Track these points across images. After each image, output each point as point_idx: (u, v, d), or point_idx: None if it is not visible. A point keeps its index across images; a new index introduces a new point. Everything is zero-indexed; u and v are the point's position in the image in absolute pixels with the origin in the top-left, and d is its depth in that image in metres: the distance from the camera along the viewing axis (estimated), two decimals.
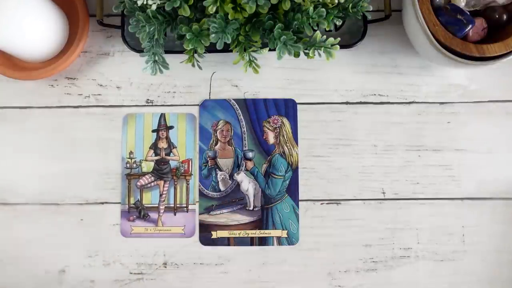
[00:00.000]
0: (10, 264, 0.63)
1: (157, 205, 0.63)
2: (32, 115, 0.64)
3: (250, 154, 0.63)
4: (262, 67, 0.58)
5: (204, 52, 0.55)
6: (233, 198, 0.63)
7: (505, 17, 0.57)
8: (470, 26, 0.55)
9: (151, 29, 0.54)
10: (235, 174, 0.63)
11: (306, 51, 0.54)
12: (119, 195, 0.63)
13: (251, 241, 0.62)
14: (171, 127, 0.64)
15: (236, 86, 0.64)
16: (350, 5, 0.54)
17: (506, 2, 0.57)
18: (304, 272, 0.62)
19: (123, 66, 0.64)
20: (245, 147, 0.63)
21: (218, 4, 0.51)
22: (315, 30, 0.54)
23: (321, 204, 0.63)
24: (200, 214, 0.63)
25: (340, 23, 0.55)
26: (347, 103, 0.64)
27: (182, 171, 0.63)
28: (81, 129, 0.64)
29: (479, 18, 0.56)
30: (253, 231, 0.62)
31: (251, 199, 0.63)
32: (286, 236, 0.62)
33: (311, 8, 0.51)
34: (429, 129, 0.63)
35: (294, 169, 0.63)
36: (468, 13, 0.55)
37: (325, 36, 0.53)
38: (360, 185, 0.63)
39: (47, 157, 0.63)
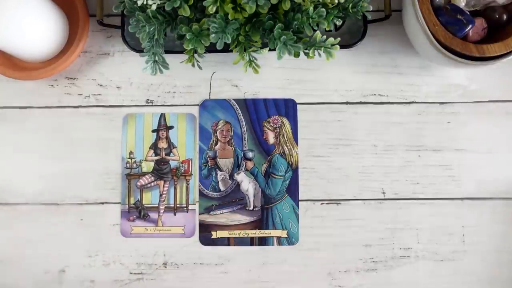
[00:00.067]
0: (10, 264, 0.63)
1: (157, 205, 0.63)
2: (32, 115, 0.64)
3: (250, 154, 0.63)
4: (262, 67, 0.58)
5: (204, 52, 0.55)
6: (233, 198, 0.63)
7: (505, 17, 0.57)
8: (470, 26, 0.55)
9: (151, 29, 0.54)
10: (235, 174, 0.63)
11: (306, 51, 0.54)
12: (119, 195, 0.63)
13: (251, 241, 0.62)
14: (171, 127, 0.64)
15: (236, 86, 0.64)
16: (350, 5, 0.54)
17: (506, 2, 0.57)
18: (304, 272, 0.62)
19: (123, 66, 0.64)
20: (245, 147, 0.63)
21: (218, 4, 0.51)
22: (315, 30, 0.54)
23: (321, 204, 0.63)
24: (200, 214, 0.63)
25: (340, 23, 0.55)
26: (347, 103, 0.64)
27: (182, 171, 0.63)
28: (81, 129, 0.64)
29: (479, 18, 0.56)
30: (253, 231, 0.62)
31: (251, 199, 0.63)
32: (286, 236, 0.62)
33: (311, 8, 0.51)
34: (429, 129, 0.63)
35: (294, 169, 0.63)
36: (468, 13, 0.55)
37: (325, 36, 0.53)
38: (360, 185, 0.63)
39: (47, 157, 0.63)
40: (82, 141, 0.64)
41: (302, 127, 0.63)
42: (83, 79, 0.64)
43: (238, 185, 0.63)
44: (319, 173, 0.63)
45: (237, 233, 0.62)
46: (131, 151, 0.63)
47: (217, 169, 0.63)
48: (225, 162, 0.63)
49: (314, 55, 0.54)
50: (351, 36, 0.62)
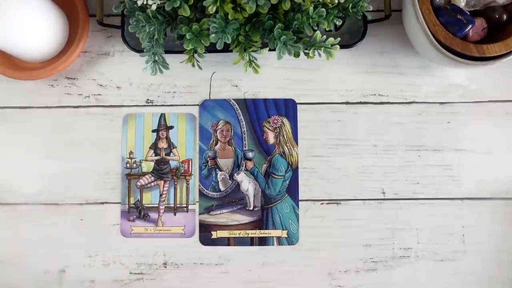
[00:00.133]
0: (10, 264, 0.63)
1: (157, 205, 0.63)
2: (32, 115, 0.64)
3: (250, 154, 0.63)
4: (262, 67, 0.58)
5: (204, 52, 0.55)
6: (233, 198, 0.63)
7: (505, 17, 0.57)
8: (470, 26, 0.55)
9: (151, 29, 0.54)
10: (235, 174, 0.63)
11: (306, 51, 0.54)
12: (119, 195, 0.63)
13: (251, 241, 0.62)
14: (171, 127, 0.64)
15: (236, 86, 0.64)
16: (350, 5, 0.54)
17: (506, 2, 0.57)
18: (304, 272, 0.62)
19: (123, 66, 0.64)
20: (245, 147, 0.63)
21: (218, 4, 0.51)
22: (315, 30, 0.54)
23: (321, 204, 0.63)
24: (200, 214, 0.63)
25: (340, 23, 0.55)
26: (347, 103, 0.64)
27: (182, 171, 0.63)
28: (81, 129, 0.64)
29: (479, 18, 0.56)
30: (253, 231, 0.62)
31: (251, 199, 0.63)
32: (286, 236, 0.62)
33: (311, 8, 0.51)
34: (429, 129, 0.63)
35: (294, 169, 0.63)
36: (468, 13, 0.55)
37: (325, 36, 0.53)
38: (360, 185, 0.63)
39: (47, 157, 0.63)
40: (82, 141, 0.64)
41: (302, 127, 0.63)
42: (83, 79, 0.64)
43: (238, 185, 0.63)
44: (319, 173, 0.63)
45: (237, 233, 0.62)
46: (131, 151, 0.63)
47: (217, 169, 0.63)
48: (225, 162, 0.63)
49: (314, 55, 0.54)
50: (351, 36, 0.62)
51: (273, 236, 0.62)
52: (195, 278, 0.62)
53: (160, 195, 0.63)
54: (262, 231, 0.62)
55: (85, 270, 0.62)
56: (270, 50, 0.57)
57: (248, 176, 0.63)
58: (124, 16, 0.62)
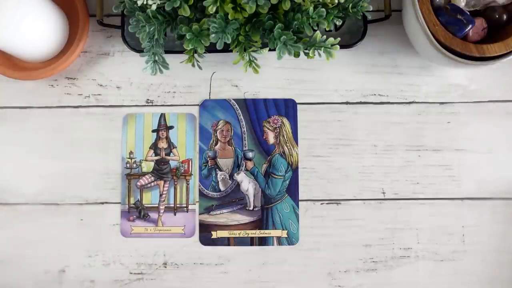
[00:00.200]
0: (10, 264, 0.63)
1: (157, 205, 0.63)
2: (32, 115, 0.64)
3: (250, 154, 0.63)
4: (262, 67, 0.58)
5: (204, 52, 0.55)
6: (233, 198, 0.63)
7: (505, 17, 0.57)
8: (470, 26, 0.55)
9: (151, 29, 0.54)
10: (235, 174, 0.63)
11: (306, 51, 0.54)
12: (119, 195, 0.63)
13: (251, 241, 0.62)
14: (171, 127, 0.64)
15: (236, 86, 0.64)
16: (350, 5, 0.54)
17: (506, 2, 0.57)
18: (304, 272, 0.62)
19: (123, 66, 0.64)
20: (245, 147, 0.63)
21: (218, 4, 0.51)
22: (315, 30, 0.54)
23: (321, 204, 0.63)
24: (200, 214, 0.63)
25: (340, 23, 0.55)
26: (347, 103, 0.64)
27: (182, 171, 0.63)
28: (81, 129, 0.64)
29: (479, 18, 0.56)
30: (253, 231, 0.62)
31: (251, 199, 0.63)
32: (286, 236, 0.62)
33: (311, 8, 0.51)
34: (429, 129, 0.63)
35: (294, 169, 0.63)
36: (468, 13, 0.55)
37: (325, 36, 0.53)
38: (360, 185, 0.63)
39: (47, 157, 0.63)
40: (82, 141, 0.64)
41: (302, 127, 0.63)
42: (83, 79, 0.64)
43: (238, 185, 0.63)
44: (319, 173, 0.63)
45: (237, 233, 0.62)
46: (131, 151, 0.63)
47: (217, 169, 0.63)
48: (225, 162, 0.63)
49: (314, 55, 0.54)
50: (351, 36, 0.62)
51: (273, 236, 0.62)
52: (195, 278, 0.62)
53: (160, 195, 0.63)
54: (262, 231, 0.62)
55: (85, 270, 0.62)
56: (270, 50, 0.57)
57: (248, 176, 0.63)
58: (124, 16, 0.62)
